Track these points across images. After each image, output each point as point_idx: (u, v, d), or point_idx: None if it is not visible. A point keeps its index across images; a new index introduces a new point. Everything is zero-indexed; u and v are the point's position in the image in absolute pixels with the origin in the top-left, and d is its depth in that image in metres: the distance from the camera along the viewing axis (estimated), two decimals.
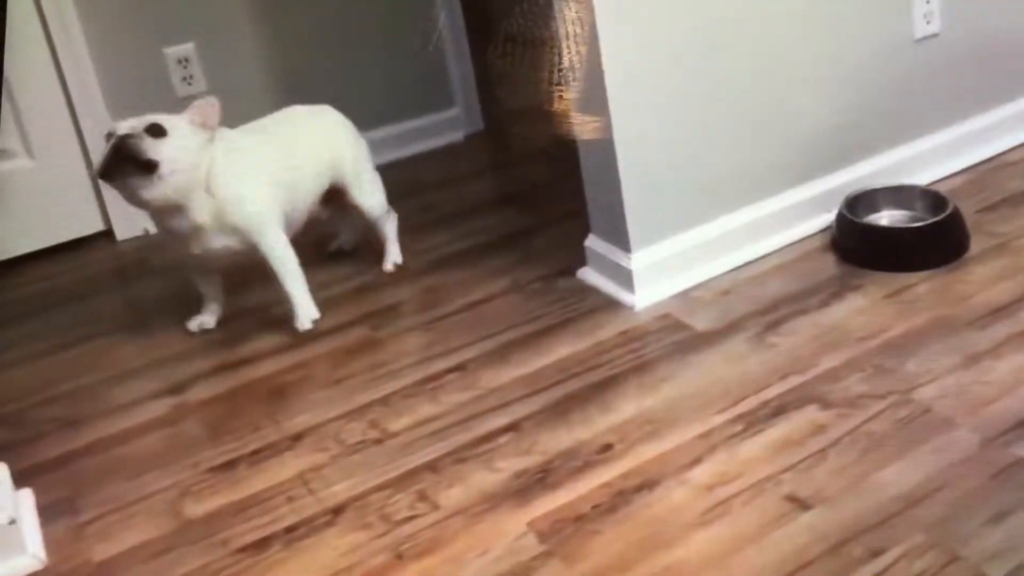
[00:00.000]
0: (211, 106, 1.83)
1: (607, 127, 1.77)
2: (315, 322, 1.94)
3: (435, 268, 2.15)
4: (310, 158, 2.02)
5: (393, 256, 2.18)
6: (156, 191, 1.76)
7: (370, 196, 2.12)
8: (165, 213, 1.82)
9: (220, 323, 2.04)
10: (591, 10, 1.67)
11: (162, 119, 1.79)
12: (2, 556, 1.40)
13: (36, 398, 1.88)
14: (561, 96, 1.76)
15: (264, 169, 1.92)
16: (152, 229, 2.58)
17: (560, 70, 1.76)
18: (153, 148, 1.74)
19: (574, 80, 1.74)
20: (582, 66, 1.71)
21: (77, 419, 1.78)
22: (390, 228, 2.18)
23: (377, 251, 2.21)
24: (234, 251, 1.88)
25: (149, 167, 1.74)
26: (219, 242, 1.86)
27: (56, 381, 1.92)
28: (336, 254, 2.29)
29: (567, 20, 1.71)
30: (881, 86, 2.06)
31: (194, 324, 2.02)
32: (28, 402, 1.87)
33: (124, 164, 1.74)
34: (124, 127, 1.76)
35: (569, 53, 1.72)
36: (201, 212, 1.82)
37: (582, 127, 1.79)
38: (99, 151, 1.82)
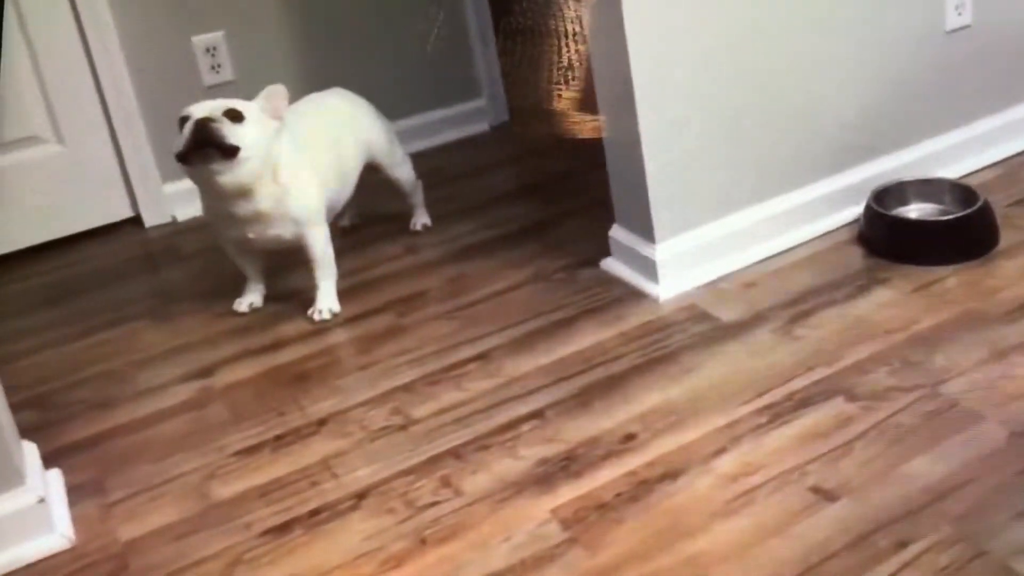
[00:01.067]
0: (280, 95, 1.84)
1: (632, 117, 1.77)
2: (334, 315, 1.95)
3: (460, 257, 2.16)
4: (353, 143, 2.08)
5: (422, 219, 2.31)
6: (233, 176, 1.78)
7: (404, 168, 2.24)
8: (231, 198, 1.82)
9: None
10: (591, 8, 1.66)
11: (238, 104, 1.80)
12: (31, 535, 1.42)
13: (65, 380, 1.90)
14: (560, 95, 1.76)
15: (320, 162, 1.96)
16: (180, 217, 2.60)
17: (560, 68, 1.75)
18: (234, 133, 1.76)
19: (573, 78, 1.74)
20: (582, 64, 1.70)
21: (105, 402, 1.80)
22: (418, 196, 2.31)
23: (400, 217, 2.31)
24: (283, 240, 1.91)
25: (231, 152, 1.75)
26: (273, 230, 1.88)
27: (85, 364, 1.95)
28: (345, 231, 2.33)
29: (567, 18, 1.70)
30: (912, 78, 2.04)
31: (244, 305, 2.03)
32: (57, 384, 1.89)
33: (206, 148, 1.74)
34: (201, 110, 1.77)
35: (568, 51, 1.71)
36: (265, 200, 1.84)
37: (580, 125, 1.78)
38: (176, 136, 1.78)
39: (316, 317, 1.95)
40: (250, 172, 1.79)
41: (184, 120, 1.77)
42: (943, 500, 1.27)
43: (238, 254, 2.00)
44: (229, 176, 1.78)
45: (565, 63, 1.74)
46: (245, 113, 1.78)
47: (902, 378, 1.52)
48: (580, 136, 1.82)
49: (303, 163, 1.90)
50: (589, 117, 1.75)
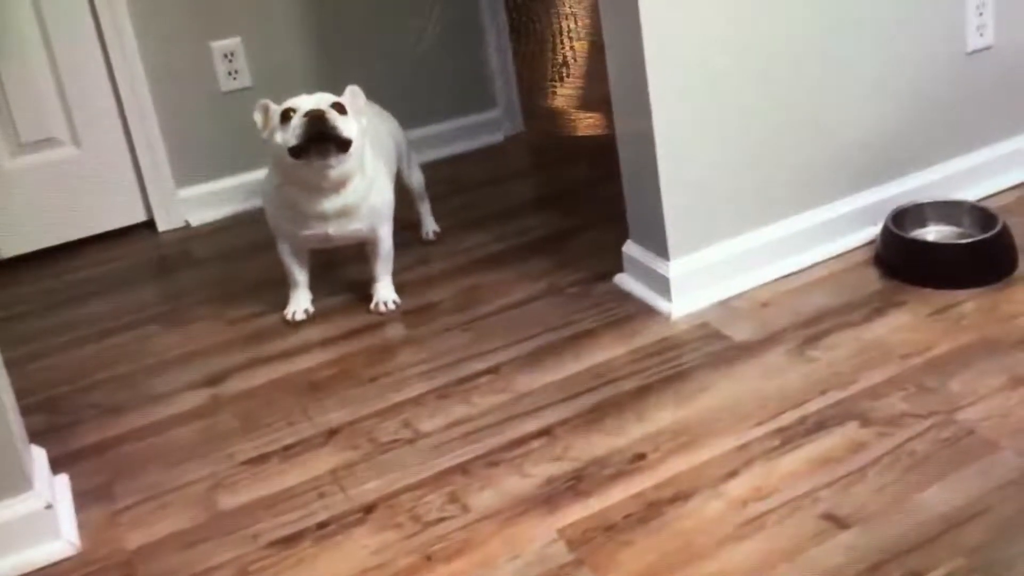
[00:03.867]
0: (360, 94, 1.87)
1: (648, 132, 1.76)
2: (397, 305, 2.00)
3: (473, 269, 2.15)
4: (391, 147, 2.11)
5: (432, 226, 2.33)
6: (341, 170, 1.81)
7: (418, 174, 2.28)
8: (328, 192, 1.84)
9: (257, 316, 2.05)
10: (587, 5, 1.64)
11: (339, 99, 1.82)
12: (37, 541, 1.42)
13: (76, 385, 1.90)
14: (555, 92, 1.74)
15: (387, 160, 2.02)
16: (193, 221, 2.61)
17: (555, 65, 1.74)
18: (346, 125, 1.78)
19: (569, 76, 1.72)
20: (578, 62, 1.69)
21: (115, 407, 1.80)
22: (426, 203, 2.33)
23: (414, 227, 2.32)
24: (360, 234, 1.94)
25: (346, 145, 1.78)
26: (354, 225, 1.91)
27: (96, 369, 1.95)
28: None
29: (562, 15, 1.69)
30: (932, 99, 2.02)
31: (300, 312, 2.01)
32: (68, 389, 1.89)
33: (323, 141, 1.76)
34: (308, 103, 1.78)
35: (564, 49, 1.70)
36: (354, 193, 1.86)
37: (577, 123, 1.76)
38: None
39: (382, 308, 1.99)
40: (352, 165, 1.83)
41: (287, 113, 1.78)
42: (958, 530, 1.25)
43: (297, 258, 2.00)
44: (339, 170, 1.81)
45: (560, 60, 1.73)
46: (346, 106, 1.81)
47: (917, 404, 1.50)
48: (576, 134, 1.80)
49: (379, 160, 1.95)
50: (585, 115, 1.73)
